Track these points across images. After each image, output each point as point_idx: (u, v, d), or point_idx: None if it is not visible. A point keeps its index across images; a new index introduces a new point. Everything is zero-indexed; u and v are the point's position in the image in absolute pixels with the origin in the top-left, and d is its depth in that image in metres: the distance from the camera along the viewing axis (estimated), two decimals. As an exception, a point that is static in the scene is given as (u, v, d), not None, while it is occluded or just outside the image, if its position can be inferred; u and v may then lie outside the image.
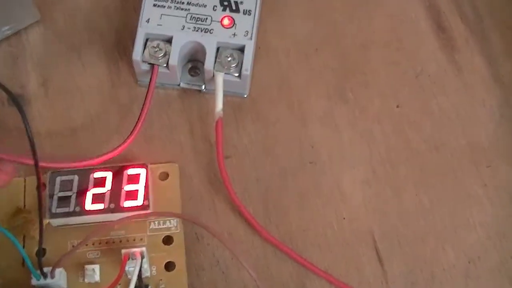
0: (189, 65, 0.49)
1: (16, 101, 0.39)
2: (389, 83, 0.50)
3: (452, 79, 0.51)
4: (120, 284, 0.43)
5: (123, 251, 0.43)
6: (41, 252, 0.41)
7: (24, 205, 0.46)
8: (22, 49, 0.50)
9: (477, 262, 0.46)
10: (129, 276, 0.43)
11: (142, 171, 0.45)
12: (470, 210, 0.48)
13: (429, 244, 0.47)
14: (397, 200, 0.48)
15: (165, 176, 0.47)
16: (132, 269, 0.42)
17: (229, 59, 0.47)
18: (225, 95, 0.47)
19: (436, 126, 0.49)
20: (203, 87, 0.49)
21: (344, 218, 0.47)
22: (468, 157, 0.49)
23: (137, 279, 0.42)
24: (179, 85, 0.49)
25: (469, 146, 0.49)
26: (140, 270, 0.43)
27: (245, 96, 0.49)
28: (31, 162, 0.39)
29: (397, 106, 0.50)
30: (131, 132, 0.46)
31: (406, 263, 0.46)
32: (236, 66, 0.47)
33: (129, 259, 0.43)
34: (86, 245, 0.44)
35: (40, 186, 0.40)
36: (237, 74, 0.47)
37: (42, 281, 0.42)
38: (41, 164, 0.39)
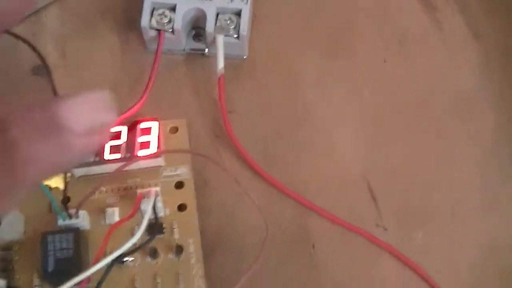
0: (193, 32, 0.55)
1: (46, 65, 0.44)
2: (376, 43, 0.55)
3: (434, 37, 0.55)
4: (137, 225, 0.48)
5: (139, 191, 0.48)
6: (65, 193, 0.46)
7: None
8: (42, 26, 0.56)
9: (462, 201, 0.51)
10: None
11: (154, 124, 0.49)
12: (453, 154, 0.52)
13: (418, 186, 0.51)
14: (387, 149, 0.52)
15: (174, 130, 0.51)
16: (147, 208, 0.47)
17: (228, 22, 0.52)
18: (226, 58, 0.52)
19: (420, 81, 0.54)
20: (206, 50, 0.54)
21: (337, 162, 0.52)
22: (452, 108, 0.53)
23: (153, 217, 0.47)
24: (184, 50, 0.54)
25: (452, 98, 0.53)
26: (154, 207, 0.47)
27: (244, 57, 0.54)
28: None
29: (384, 61, 0.54)
30: (142, 94, 0.51)
31: (398, 203, 0.50)
32: (235, 28, 0.52)
33: (143, 198, 0.47)
34: (106, 192, 0.49)
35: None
36: (236, 35, 0.52)
37: (67, 221, 0.47)
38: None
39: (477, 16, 0.56)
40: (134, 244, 0.46)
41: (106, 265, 0.45)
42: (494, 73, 0.54)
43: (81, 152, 0.26)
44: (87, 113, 0.26)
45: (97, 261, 0.44)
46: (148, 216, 0.46)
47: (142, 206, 0.47)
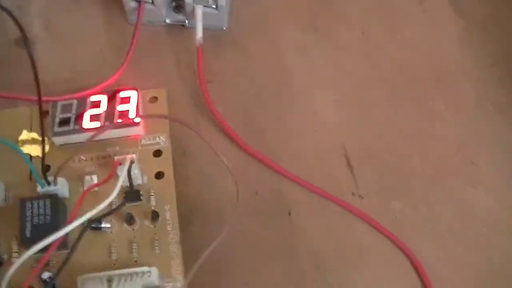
0: (173, 4, 0.55)
1: (25, 36, 0.45)
2: (357, 14, 0.56)
3: (415, 10, 0.56)
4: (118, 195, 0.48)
5: (116, 157, 0.48)
6: (44, 161, 0.47)
7: (31, 130, 0.51)
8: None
9: (440, 169, 0.51)
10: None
11: (133, 93, 0.50)
12: (433, 123, 0.52)
13: (396, 154, 0.51)
14: (366, 116, 0.53)
15: (154, 99, 0.52)
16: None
17: (207, -8, 0.53)
18: (206, 29, 0.53)
19: (400, 52, 0.54)
20: (186, 22, 0.55)
21: (316, 131, 0.52)
22: (432, 79, 0.54)
23: (129, 184, 0.48)
24: (165, 21, 0.55)
25: (433, 69, 0.54)
26: (130, 174, 0.48)
27: (224, 28, 0.55)
28: (36, 98, 0.44)
29: (362, 33, 0.55)
30: (122, 63, 0.52)
31: (375, 170, 0.51)
32: (214, -1, 0.53)
33: (120, 164, 0.48)
34: (86, 160, 0.50)
35: (41, 113, 0.45)
36: (214, 6, 0.53)
37: (46, 188, 0.47)
38: (44, 98, 0.45)
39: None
40: (109, 207, 0.47)
41: (81, 226, 0.45)
42: (474, 47, 0.55)
43: None
44: None
45: (71, 222, 0.45)
46: (121, 179, 0.47)
47: (119, 172, 0.48)
